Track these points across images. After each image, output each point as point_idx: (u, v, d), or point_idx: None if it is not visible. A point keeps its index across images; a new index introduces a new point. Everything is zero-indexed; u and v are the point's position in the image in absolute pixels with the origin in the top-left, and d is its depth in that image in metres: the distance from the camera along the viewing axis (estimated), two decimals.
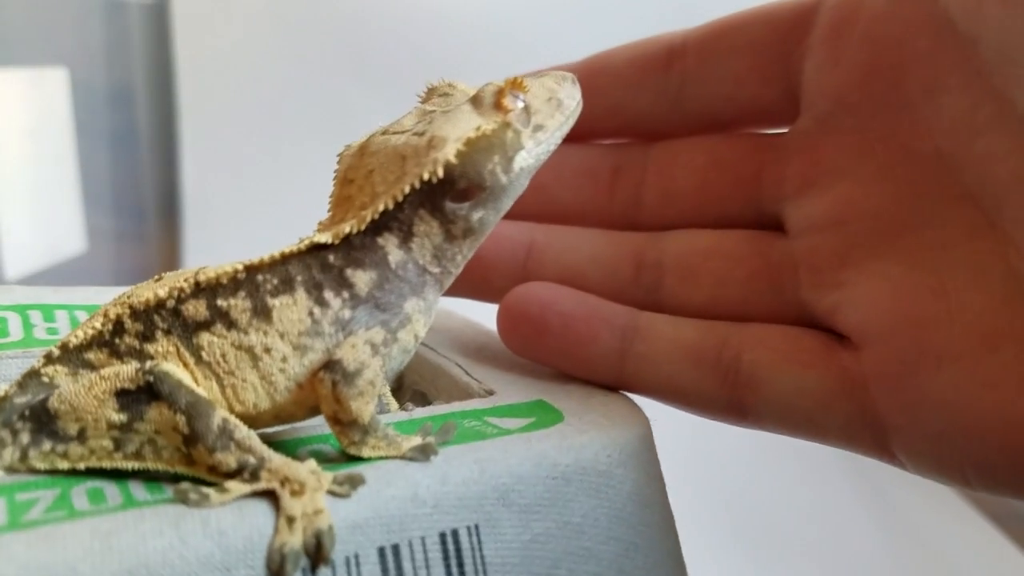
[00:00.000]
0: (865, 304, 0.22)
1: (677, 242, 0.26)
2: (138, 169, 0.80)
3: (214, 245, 0.80)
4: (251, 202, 0.81)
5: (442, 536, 0.18)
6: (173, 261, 0.81)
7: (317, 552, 0.17)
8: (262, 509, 0.17)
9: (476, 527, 0.18)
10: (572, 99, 0.22)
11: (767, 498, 0.63)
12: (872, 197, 0.22)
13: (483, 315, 0.29)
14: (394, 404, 0.23)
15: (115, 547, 0.16)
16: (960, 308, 0.20)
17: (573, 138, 0.25)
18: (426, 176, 0.19)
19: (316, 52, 0.80)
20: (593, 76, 0.27)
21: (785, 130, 0.25)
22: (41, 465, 0.19)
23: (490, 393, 0.24)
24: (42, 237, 0.69)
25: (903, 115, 0.22)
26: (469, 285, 0.25)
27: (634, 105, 0.27)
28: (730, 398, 0.23)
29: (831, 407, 0.21)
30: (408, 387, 0.27)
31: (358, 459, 0.19)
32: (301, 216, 0.90)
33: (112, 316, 0.19)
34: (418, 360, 0.26)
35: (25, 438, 0.18)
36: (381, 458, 0.19)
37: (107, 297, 0.26)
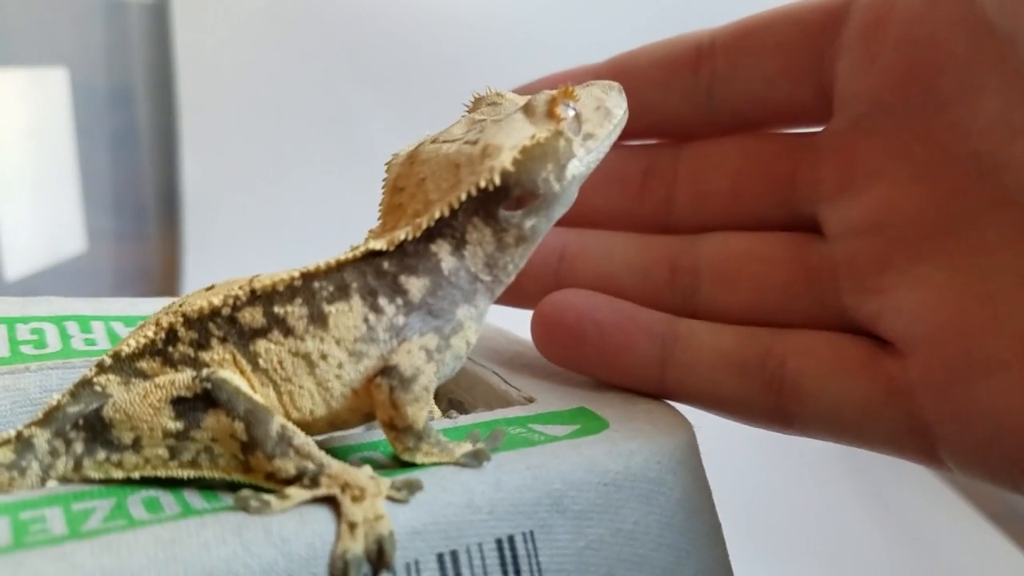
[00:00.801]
0: (909, 310, 0.22)
1: (712, 246, 0.26)
2: (138, 169, 0.80)
3: (214, 245, 0.80)
4: (251, 202, 0.81)
5: (499, 542, 0.18)
6: (173, 261, 0.81)
7: (379, 558, 0.17)
8: (323, 515, 0.17)
9: (531, 533, 0.19)
10: (619, 108, 0.22)
11: (766, 497, 0.63)
12: (911, 199, 0.22)
13: (514, 323, 0.29)
14: (437, 411, 0.24)
15: (179, 556, 0.16)
16: (1007, 314, 0.20)
17: None
18: (483, 184, 0.19)
19: (316, 52, 0.81)
20: (619, 76, 0.26)
21: (818, 130, 0.25)
22: (95, 475, 0.19)
23: (530, 400, 0.24)
24: (42, 237, 0.69)
25: (940, 116, 0.22)
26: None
27: (663, 106, 0.27)
28: (775, 406, 0.23)
29: (878, 415, 0.22)
30: (443, 395, 0.27)
31: (411, 465, 0.19)
32: (301, 216, 0.88)
33: (164, 325, 0.19)
34: None
35: (79, 448, 0.19)
36: (434, 464, 0.19)
37: (142, 309, 0.26)
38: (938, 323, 0.21)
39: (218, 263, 0.80)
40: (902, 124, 0.23)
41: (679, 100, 0.27)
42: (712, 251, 0.26)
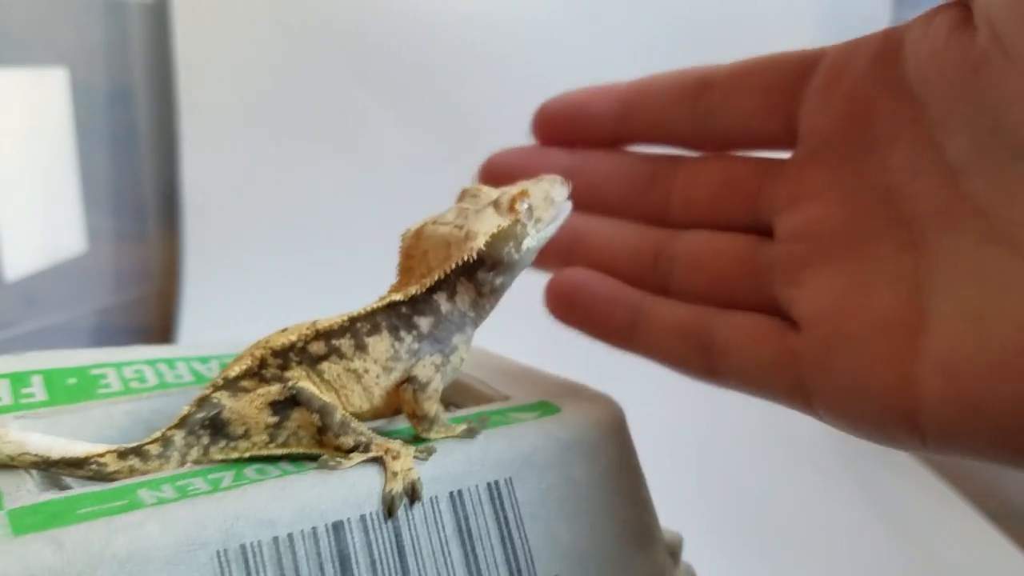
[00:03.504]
0: (810, 298, 0.31)
1: (688, 239, 0.37)
2: (138, 169, 0.88)
3: (214, 245, 0.89)
4: (251, 202, 0.90)
5: (489, 485, 0.32)
6: (173, 261, 0.90)
7: (412, 494, 0.31)
8: (375, 469, 0.31)
9: (510, 479, 0.33)
10: (561, 196, 0.35)
11: (762, 493, 0.71)
12: (835, 218, 0.31)
13: (497, 343, 0.43)
14: (441, 408, 0.38)
15: (289, 495, 0.29)
16: (875, 303, 0.29)
17: (623, 144, 0.39)
18: (466, 258, 0.33)
19: (316, 52, 0.89)
20: (639, 95, 0.39)
21: (787, 155, 0.35)
22: (218, 457, 0.32)
23: (506, 398, 0.38)
24: (42, 237, 0.75)
25: (869, 156, 0.31)
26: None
27: (669, 123, 0.38)
28: (706, 365, 0.35)
29: (776, 375, 0.32)
30: (444, 401, 0.41)
31: (427, 440, 0.33)
32: (301, 215, 1.02)
33: (258, 356, 0.33)
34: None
35: (206, 440, 0.32)
36: (443, 438, 0.33)
37: (211, 350, 0.40)
38: (825, 307, 0.30)
39: (218, 263, 0.89)
40: (842, 159, 0.32)
41: (682, 121, 0.38)
42: (687, 244, 0.37)
